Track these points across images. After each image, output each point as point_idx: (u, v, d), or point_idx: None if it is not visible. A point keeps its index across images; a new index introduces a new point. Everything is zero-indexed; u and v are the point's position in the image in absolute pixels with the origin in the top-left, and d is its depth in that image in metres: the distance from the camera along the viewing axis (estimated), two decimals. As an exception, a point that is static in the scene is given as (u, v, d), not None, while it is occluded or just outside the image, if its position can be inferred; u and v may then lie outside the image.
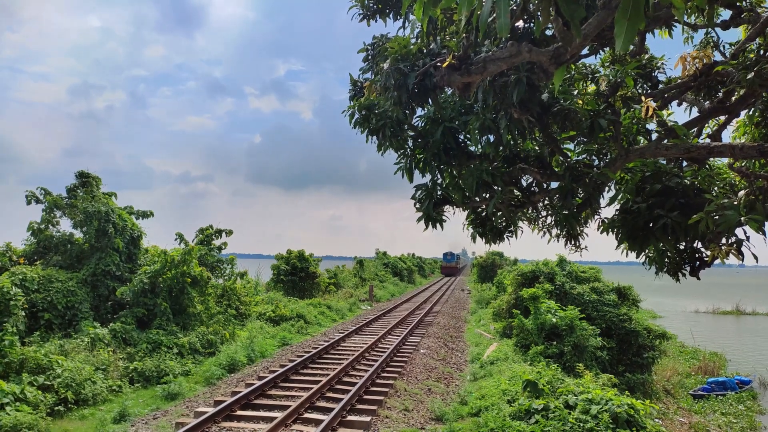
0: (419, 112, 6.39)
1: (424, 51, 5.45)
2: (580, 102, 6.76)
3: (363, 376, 14.13)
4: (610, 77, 6.67)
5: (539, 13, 3.82)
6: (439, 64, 4.92)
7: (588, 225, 8.71)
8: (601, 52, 7.74)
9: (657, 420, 16.09)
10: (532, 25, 4.76)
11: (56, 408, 11.57)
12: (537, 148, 7.27)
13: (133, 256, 20.10)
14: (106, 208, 18.80)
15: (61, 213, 19.38)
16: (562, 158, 6.83)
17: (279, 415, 10.66)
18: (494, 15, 2.54)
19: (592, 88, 7.38)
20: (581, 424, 11.35)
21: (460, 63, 4.64)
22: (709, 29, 7.89)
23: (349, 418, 11.12)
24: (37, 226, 19.02)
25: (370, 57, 6.82)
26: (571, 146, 7.58)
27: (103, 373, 13.61)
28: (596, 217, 8.31)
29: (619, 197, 7.03)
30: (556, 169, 6.89)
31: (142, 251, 20.73)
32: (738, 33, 7.90)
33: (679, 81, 7.78)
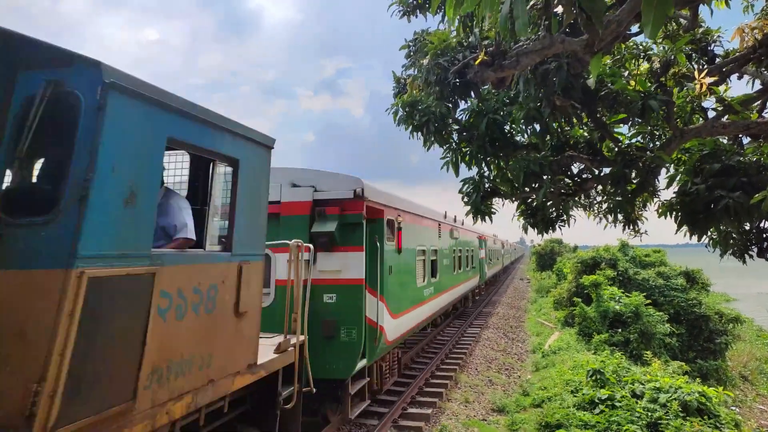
0: (463, 105, 6.38)
1: (464, 44, 5.43)
2: (632, 83, 6.55)
3: (423, 369, 14.23)
4: (661, 55, 6.43)
5: (561, 10, 3.74)
6: (472, 61, 4.90)
7: (647, 209, 8.44)
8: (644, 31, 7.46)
9: (733, 408, 15.39)
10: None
11: None
12: (586, 134, 7.10)
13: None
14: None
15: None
16: (613, 143, 6.65)
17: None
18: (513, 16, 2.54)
19: (644, 66, 7.13)
20: (649, 414, 11.04)
21: (493, 59, 4.60)
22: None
23: (410, 410, 11.24)
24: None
25: (411, 53, 6.86)
26: (623, 130, 7.37)
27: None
28: (656, 200, 8.04)
29: (677, 179, 6.79)
30: (608, 155, 6.71)
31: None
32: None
33: (737, 54, 7.39)
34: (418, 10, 7.13)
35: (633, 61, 7.23)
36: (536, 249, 69.17)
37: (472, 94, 5.46)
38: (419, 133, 6.38)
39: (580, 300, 22.29)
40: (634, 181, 6.31)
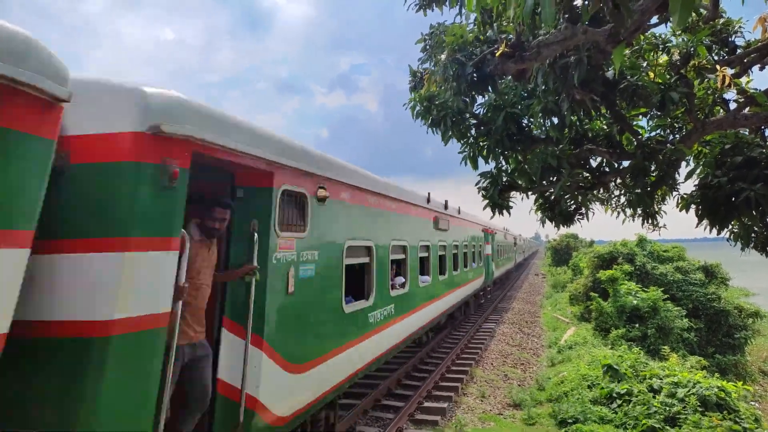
0: (480, 99, 6.36)
1: (481, 39, 5.41)
2: (651, 75, 6.47)
3: (439, 363, 14.26)
4: (681, 47, 6.35)
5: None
6: (493, 53, 4.88)
7: (666, 202, 8.35)
8: (671, 20, 7.35)
9: (753, 403, 15.25)
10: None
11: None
12: (605, 127, 7.04)
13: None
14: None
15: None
16: (632, 136, 6.59)
17: (359, 402, 10.95)
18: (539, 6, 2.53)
19: (663, 58, 7.04)
20: (667, 408, 10.96)
21: (514, 50, 4.58)
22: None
23: (426, 404, 11.27)
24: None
25: (428, 47, 6.83)
26: (643, 123, 7.29)
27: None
28: (675, 193, 7.95)
29: (698, 172, 6.71)
30: (627, 148, 6.66)
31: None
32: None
33: (759, 44, 7.28)
34: (434, 3, 7.11)
35: (652, 53, 7.15)
36: (552, 244, 68.77)
37: (490, 88, 5.44)
38: (437, 128, 6.38)
39: (596, 295, 22.14)
40: (654, 174, 6.26)
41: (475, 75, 5.15)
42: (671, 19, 2.23)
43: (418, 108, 6.44)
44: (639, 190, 6.30)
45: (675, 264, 25.03)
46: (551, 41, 4.30)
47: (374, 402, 10.98)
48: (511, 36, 4.89)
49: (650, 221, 8.41)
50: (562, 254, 61.43)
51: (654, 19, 6.46)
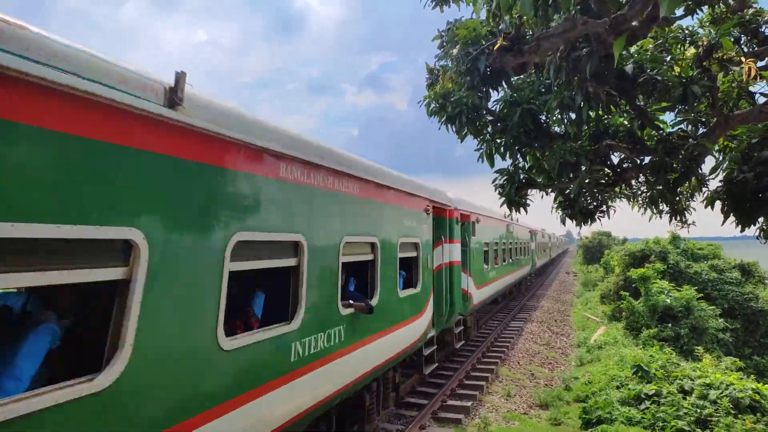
0: (496, 95, 6.28)
1: (494, 33, 5.35)
2: (677, 69, 6.30)
3: (464, 362, 14.20)
4: (706, 39, 6.16)
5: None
6: (491, 47, 4.81)
7: (694, 199, 8.13)
8: (699, 11, 7.13)
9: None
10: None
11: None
12: (626, 122, 6.89)
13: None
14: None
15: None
16: (654, 131, 6.44)
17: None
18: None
19: (690, 51, 6.84)
20: (698, 410, 10.69)
21: (513, 44, 4.51)
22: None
23: (450, 402, 11.24)
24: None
25: (444, 43, 6.78)
26: (667, 118, 7.11)
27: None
28: (704, 189, 7.72)
29: (723, 167, 6.52)
30: (649, 143, 6.50)
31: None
32: None
33: (790, 34, 7.01)
34: (450, 0, 7.05)
35: (678, 47, 6.95)
36: (584, 242, 67.61)
37: (504, 83, 5.37)
38: (452, 125, 6.33)
39: (627, 294, 21.70)
40: (676, 170, 6.10)
41: (488, 69, 5.09)
42: (660, 6, 2.17)
43: (433, 105, 6.39)
44: (660, 187, 6.14)
45: (710, 262, 24.33)
46: (551, 33, 4.23)
47: (397, 399, 11.00)
48: (507, 28, 4.81)
49: (678, 218, 8.19)
50: (594, 252, 60.37)
51: (680, 11, 6.30)
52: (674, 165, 5.93)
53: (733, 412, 10.69)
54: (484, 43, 5.21)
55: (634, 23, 3.95)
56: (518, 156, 6.71)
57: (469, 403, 11.23)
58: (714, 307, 20.51)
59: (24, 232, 2.81)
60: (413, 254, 9.58)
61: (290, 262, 5.49)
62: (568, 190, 6.92)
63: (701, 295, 20.66)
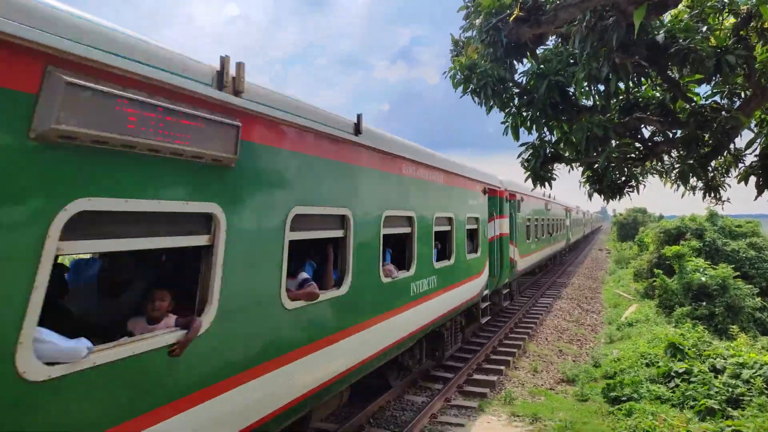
0: (522, 68, 6.15)
1: (519, 2, 5.21)
2: (712, 40, 6.06)
3: (491, 337, 14.24)
4: (744, 7, 5.90)
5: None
6: (507, 18, 4.70)
7: (729, 175, 7.87)
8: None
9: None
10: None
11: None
12: (659, 94, 6.68)
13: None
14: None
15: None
16: (686, 103, 6.23)
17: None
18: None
19: (730, 21, 6.55)
20: (729, 389, 10.52)
21: (529, 14, 4.40)
22: None
23: (476, 377, 11.33)
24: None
25: (470, 14, 6.63)
26: (701, 90, 6.85)
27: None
28: (740, 165, 7.47)
29: (759, 141, 6.29)
30: (681, 116, 6.30)
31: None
32: None
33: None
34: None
35: (715, 16, 6.66)
36: (618, 219, 66.32)
37: (529, 54, 5.26)
38: (477, 97, 6.23)
39: (660, 272, 21.30)
40: (709, 145, 5.92)
41: (512, 41, 4.99)
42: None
43: (458, 77, 6.29)
44: (691, 161, 5.96)
45: (748, 240, 23.63)
46: (568, 3, 4.12)
47: (424, 373, 11.15)
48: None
49: (712, 194, 7.94)
50: (628, 229, 59.18)
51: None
52: (707, 139, 5.75)
53: (766, 392, 10.49)
54: (507, 12, 5.08)
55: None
56: (545, 129, 6.60)
57: (494, 378, 11.30)
58: (751, 285, 19.99)
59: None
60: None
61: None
62: (596, 165, 6.78)
63: (738, 273, 20.13)
